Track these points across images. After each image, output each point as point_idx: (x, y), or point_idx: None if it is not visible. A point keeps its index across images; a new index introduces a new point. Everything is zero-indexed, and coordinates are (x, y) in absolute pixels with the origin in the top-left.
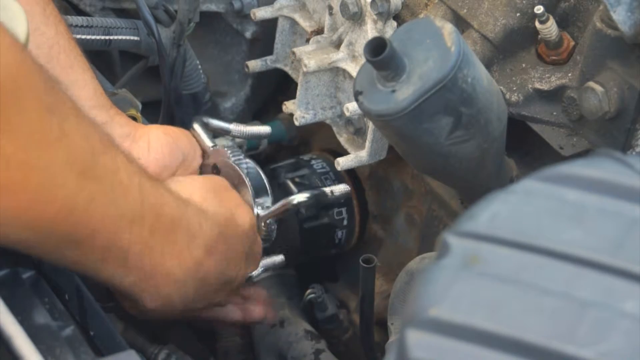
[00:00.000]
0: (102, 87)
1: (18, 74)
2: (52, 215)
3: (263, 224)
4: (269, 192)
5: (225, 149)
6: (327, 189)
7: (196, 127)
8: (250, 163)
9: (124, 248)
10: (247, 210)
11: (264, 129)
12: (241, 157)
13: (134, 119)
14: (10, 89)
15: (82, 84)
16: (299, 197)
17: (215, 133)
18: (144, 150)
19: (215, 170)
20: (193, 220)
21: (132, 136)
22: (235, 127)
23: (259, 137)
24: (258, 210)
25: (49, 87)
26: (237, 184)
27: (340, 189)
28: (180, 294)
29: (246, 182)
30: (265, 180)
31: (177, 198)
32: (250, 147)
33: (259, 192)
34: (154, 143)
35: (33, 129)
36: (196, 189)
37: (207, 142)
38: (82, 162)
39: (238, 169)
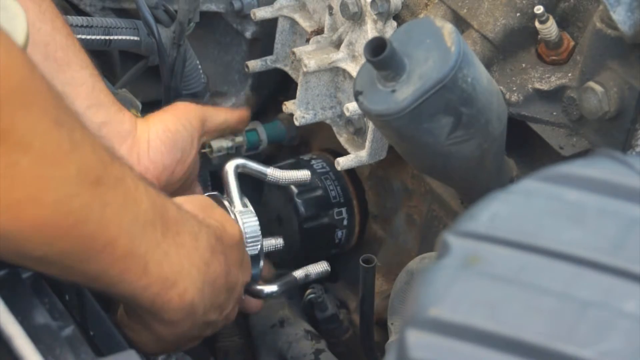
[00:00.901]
0: (103, 84)
1: (28, 87)
2: (69, 227)
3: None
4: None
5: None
6: (301, 273)
7: (230, 172)
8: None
9: (142, 256)
10: (235, 224)
11: (303, 174)
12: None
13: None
14: (20, 102)
15: (80, 81)
16: (271, 289)
17: (252, 175)
18: (144, 151)
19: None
20: (193, 222)
21: (132, 134)
22: (272, 172)
23: (297, 182)
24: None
25: (56, 99)
26: None
27: (318, 269)
28: (201, 299)
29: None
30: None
31: (174, 202)
32: (250, 147)
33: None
34: (153, 142)
35: (45, 142)
36: (185, 203)
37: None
38: (94, 172)
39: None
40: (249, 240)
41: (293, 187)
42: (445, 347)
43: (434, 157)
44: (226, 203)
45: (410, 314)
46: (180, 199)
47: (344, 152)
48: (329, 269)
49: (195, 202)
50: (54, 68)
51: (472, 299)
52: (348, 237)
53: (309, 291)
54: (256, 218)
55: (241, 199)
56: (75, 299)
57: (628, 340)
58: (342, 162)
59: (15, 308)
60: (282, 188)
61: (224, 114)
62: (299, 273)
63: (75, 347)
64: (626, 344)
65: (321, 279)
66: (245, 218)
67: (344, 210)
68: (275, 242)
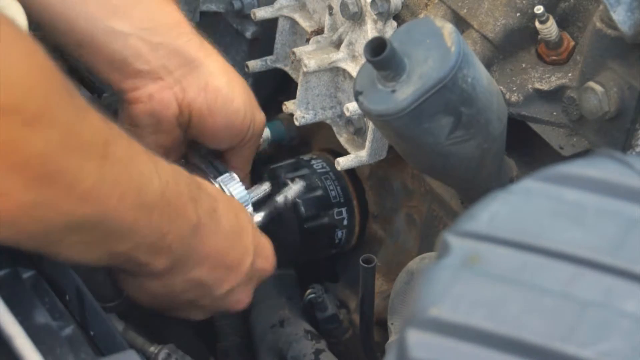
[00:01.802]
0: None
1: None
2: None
3: None
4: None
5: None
6: (281, 197)
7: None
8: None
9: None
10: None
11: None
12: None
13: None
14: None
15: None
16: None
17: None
18: (201, 87)
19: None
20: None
21: (195, 62)
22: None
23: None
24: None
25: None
26: None
27: (295, 189)
28: (189, 254)
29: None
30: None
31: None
32: None
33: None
34: (213, 94)
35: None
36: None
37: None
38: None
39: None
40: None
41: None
42: (445, 347)
43: (434, 157)
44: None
45: (411, 313)
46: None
47: (344, 152)
48: (304, 184)
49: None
50: None
51: (472, 299)
52: (348, 237)
53: (309, 291)
54: (240, 182)
55: (221, 169)
56: (75, 299)
57: (628, 340)
58: (342, 162)
59: (15, 308)
60: (281, 188)
61: (250, 158)
62: (279, 198)
63: (75, 347)
64: (626, 344)
65: (321, 279)
66: (230, 185)
67: (344, 210)
68: (263, 188)
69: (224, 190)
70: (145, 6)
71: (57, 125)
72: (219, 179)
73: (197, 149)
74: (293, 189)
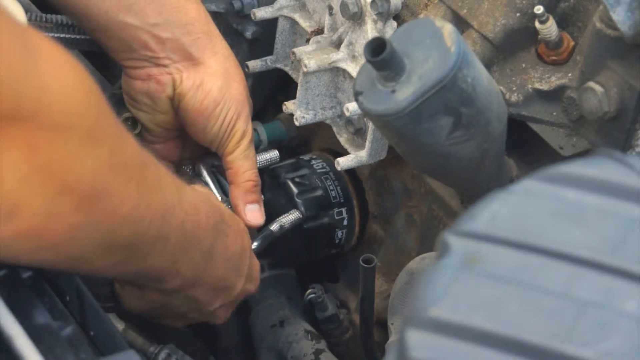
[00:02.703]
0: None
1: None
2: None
3: None
4: None
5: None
6: (276, 225)
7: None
8: None
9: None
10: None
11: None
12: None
13: (134, 121)
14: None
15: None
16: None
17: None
18: (197, 84)
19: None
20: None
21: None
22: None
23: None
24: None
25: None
26: None
27: (291, 218)
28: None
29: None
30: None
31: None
32: None
33: None
34: (207, 88)
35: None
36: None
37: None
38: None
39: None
40: None
41: (293, 187)
42: (445, 347)
43: (434, 157)
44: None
45: (410, 314)
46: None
47: (344, 152)
48: (301, 216)
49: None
50: None
51: (472, 299)
52: (348, 237)
53: (309, 291)
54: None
55: (219, 193)
56: (76, 299)
57: (628, 340)
58: (342, 162)
59: (15, 308)
60: (282, 188)
61: (243, 169)
62: (274, 226)
63: (75, 347)
64: (626, 344)
65: (321, 279)
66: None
67: (344, 210)
68: (270, 156)
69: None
70: (160, 3)
71: (105, 143)
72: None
73: (205, 162)
74: (288, 218)
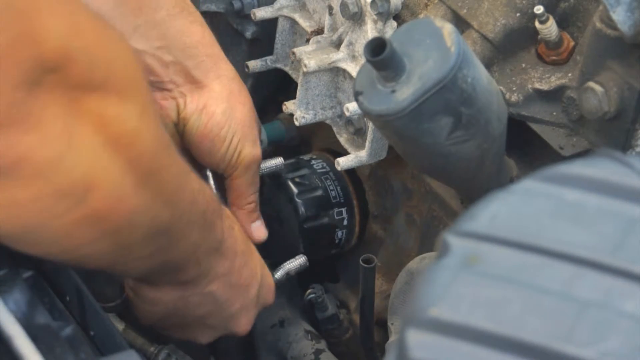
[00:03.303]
0: (183, 20)
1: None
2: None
3: None
4: None
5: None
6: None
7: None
8: None
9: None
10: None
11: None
12: None
13: None
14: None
15: (152, 24)
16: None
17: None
18: (202, 103)
19: None
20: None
21: (200, 79)
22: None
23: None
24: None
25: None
26: None
27: (296, 264)
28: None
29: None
30: None
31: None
32: None
33: None
34: (213, 107)
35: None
36: None
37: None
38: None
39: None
40: None
41: (293, 187)
42: (445, 347)
43: (434, 158)
44: None
45: (410, 314)
46: None
47: (344, 152)
48: (306, 261)
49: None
50: (126, 13)
51: (472, 299)
52: (348, 237)
53: (309, 291)
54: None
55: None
56: (76, 299)
57: (628, 340)
58: (342, 162)
59: (15, 308)
60: (282, 188)
61: (245, 193)
62: (278, 274)
63: (75, 347)
64: (626, 344)
65: (321, 279)
66: None
67: (344, 210)
68: (275, 162)
69: None
70: (164, 27)
71: (156, 120)
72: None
73: (215, 178)
74: (294, 264)
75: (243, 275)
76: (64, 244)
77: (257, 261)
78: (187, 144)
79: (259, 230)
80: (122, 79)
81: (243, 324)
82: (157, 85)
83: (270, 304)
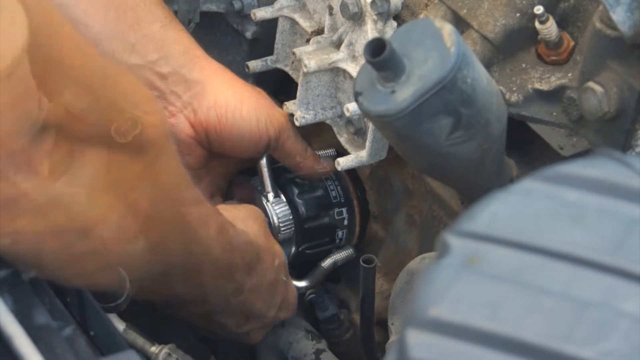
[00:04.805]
0: (177, 31)
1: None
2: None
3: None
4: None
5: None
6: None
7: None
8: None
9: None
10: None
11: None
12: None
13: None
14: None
15: (149, 38)
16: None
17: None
18: (206, 107)
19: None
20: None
21: (202, 83)
22: None
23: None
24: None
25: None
26: None
27: (343, 255)
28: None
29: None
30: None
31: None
32: None
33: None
34: (220, 109)
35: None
36: (238, 217)
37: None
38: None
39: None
40: (281, 225)
41: (293, 187)
42: (445, 347)
43: (434, 158)
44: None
45: (411, 314)
46: (227, 207)
47: (344, 152)
48: (353, 251)
49: (249, 212)
50: (124, 31)
51: (472, 299)
52: (348, 237)
53: (309, 291)
54: (287, 206)
55: (274, 189)
56: (76, 299)
57: (628, 340)
58: (342, 162)
59: (15, 308)
60: (282, 188)
61: (299, 148)
62: (326, 263)
63: (75, 347)
64: (626, 344)
65: (322, 280)
66: (277, 206)
67: (344, 210)
68: (346, 253)
69: (267, 210)
70: (160, 39)
71: (164, 174)
72: (270, 199)
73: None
74: (342, 255)
75: (257, 307)
76: (68, 272)
77: (280, 294)
78: (218, 147)
79: (329, 167)
80: (147, 128)
81: (254, 339)
82: (160, 98)
83: (286, 318)
